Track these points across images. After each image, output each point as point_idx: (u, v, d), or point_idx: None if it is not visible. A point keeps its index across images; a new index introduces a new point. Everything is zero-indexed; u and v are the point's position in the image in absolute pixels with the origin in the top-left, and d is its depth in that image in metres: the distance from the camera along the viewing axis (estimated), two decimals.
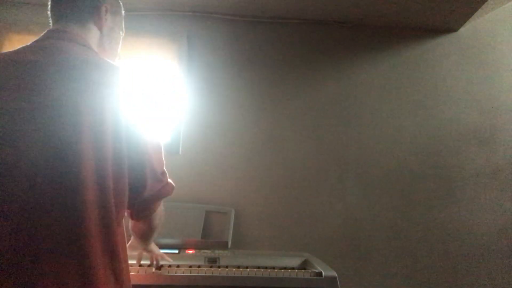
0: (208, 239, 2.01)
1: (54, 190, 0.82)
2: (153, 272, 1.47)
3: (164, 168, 1.05)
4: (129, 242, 1.33)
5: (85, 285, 0.82)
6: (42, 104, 0.87)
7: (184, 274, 1.48)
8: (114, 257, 0.89)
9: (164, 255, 1.48)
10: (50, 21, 1.07)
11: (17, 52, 0.95)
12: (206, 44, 2.36)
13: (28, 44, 0.99)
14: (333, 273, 1.55)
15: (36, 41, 1.00)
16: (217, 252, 1.80)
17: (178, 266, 1.56)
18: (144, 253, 1.45)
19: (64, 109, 0.87)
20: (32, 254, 0.79)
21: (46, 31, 1.03)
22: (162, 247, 1.70)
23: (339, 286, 1.53)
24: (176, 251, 1.77)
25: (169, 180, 1.07)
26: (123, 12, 1.19)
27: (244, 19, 2.39)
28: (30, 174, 0.82)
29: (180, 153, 2.22)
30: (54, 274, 0.79)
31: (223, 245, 1.94)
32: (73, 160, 0.84)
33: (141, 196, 0.99)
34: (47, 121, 0.86)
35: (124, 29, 1.20)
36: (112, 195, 0.89)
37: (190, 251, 1.79)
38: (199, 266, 1.59)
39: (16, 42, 2.19)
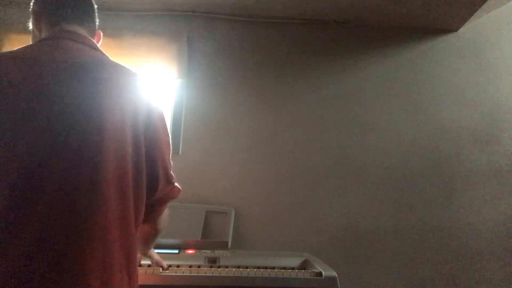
0: (208, 239, 2.01)
1: (76, 190, 0.82)
2: (153, 272, 1.47)
3: (171, 171, 1.07)
4: None
5: (103, 283, 0.82)
6: (64, 104, 0.86)
7: (184, 274, 1.48)
8: (131, 259, 0.90)
9: (162, 261, 1.48)
10: (50, 19, 1.04)
11: (30, 50, 0.93)
12: (206, 44, 2.36)
13: (37, 42, 0.98)
14: (333, 273, 1.55)
15: (47, 39, 0.99)
16: (217, 252, 1.80)
17: (178, 266, 1.56)
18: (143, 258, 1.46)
19: (87, 109, 0.88)
20: (54, 250, 0.79)
21: (55, 30, 1.02)
22: (162, 247, 1.71)
23: (339, 286, 1.53)
24: (176, 251, 1.77)
25: (176, 183, 1.09)
26: None
27: (244, 19, 2.39)
28: (50, 174, 0.82)
29: (180, 153, 2.22)
30: (76, 270, 0.79)
31: (223, 245, 1.94)
32: (95, 160, 0.85)
33: (151, 198, 1.00)
34: (71, 121, 0.86)
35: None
36: (132, 196, 0.90)
37: (190, 251, 1.79)
38: (199, 266, 1.59)
39: (16, 42, 2.18)
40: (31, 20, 1.08)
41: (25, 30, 2.19)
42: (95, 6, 1.13)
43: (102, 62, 0.97)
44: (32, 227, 0.78)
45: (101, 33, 1.16)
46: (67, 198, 0.81)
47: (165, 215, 1.16)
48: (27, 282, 0.76)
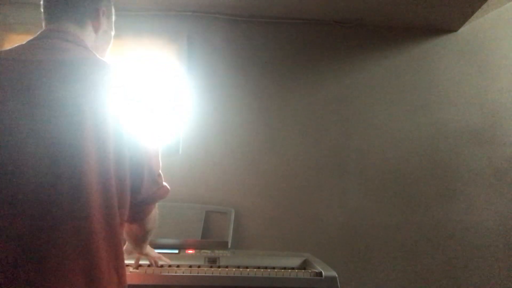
0: (208, 239, 2.01)
1: (58, 190, 0.82)
2: (153, 272, 1.47)
3: (160, 171, 1.05)
4: (124, 247, 1.33)
5: (90, 284, 0.82)
6: (44, 104, 0.87)
7: (184, 274, 1.48)
8: (118, 256, 0.90)
9: (162, 256, 1.48)
10: (43, 19, 1.06)
11: (15, 50, 0.95)
12: (206, 44, 2.36)
13: (25, 43, 0.99)
14: (333, 273, 1.55)
15: (33, 39, 1.00)
16: (217, 252, 1.80)
17: (178, 266, 1.56)
18: (141, 257, 1.45)
19: (67, 108, 0.87)
20: (38, 254, 0.79)
21: (42, 30, 1.04)
22: (162, 247, 1.71)
23: (339, 286, 1.53)
24: (176, 251, 1.77)
25: (165, 183, 1.07)
26: (114, 12, 1.20)
27: (244, 19, 2.39)
28: (33, 174, 0.82)
29: (180, 153, 2.22)
30: (60, 273, 0.79)
31: (223, 245, 1.94)
32: (77, 160, 0.85)
33: (136, 198, 0.99)
34: (50, 121, 0.86)
35: (114, 28, 1.21)
36: (115, 195, 0.90)
37: (190, 251, 1.79)
38: (199, 266, 1.59)
39: (16, 42, 2.17)
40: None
41: (25, 30, 2.21)
42: None
43: (85, 60, 0.96)
44: (15, 232, 0.78)
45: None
46: (49, 200, 0.81)
47: (154, 216, 1.14)
48: (8, 282, 0.76)
